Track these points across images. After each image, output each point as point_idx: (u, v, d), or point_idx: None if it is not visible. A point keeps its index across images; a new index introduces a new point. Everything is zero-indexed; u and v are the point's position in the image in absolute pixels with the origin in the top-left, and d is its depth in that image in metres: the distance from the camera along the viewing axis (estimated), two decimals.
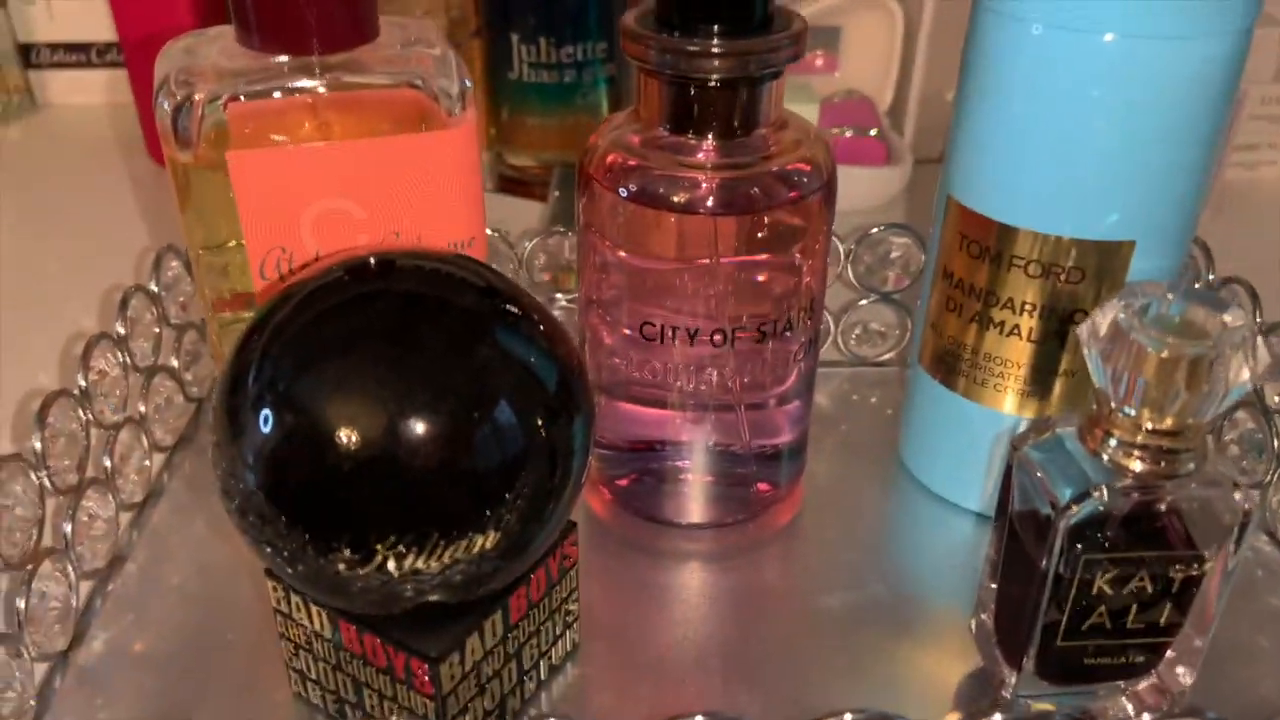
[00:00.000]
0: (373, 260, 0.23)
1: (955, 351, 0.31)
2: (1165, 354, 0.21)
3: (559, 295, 0.39)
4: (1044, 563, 0.23)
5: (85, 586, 0.29)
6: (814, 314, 0.30)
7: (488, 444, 0.21)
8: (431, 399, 0.21)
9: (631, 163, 0.28)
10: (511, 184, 0.55)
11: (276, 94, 0.26)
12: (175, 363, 0.35)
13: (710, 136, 0.27)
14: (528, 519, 0.22)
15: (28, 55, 0.63)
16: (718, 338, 0.28)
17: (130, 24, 0.54)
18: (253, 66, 0.26)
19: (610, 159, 0.29)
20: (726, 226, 0.28)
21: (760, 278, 0.29)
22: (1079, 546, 0.23)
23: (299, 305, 0.22)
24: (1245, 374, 0.21)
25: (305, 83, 0.26)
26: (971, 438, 0.32)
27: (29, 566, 0.26)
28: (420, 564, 0.21)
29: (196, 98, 0.25)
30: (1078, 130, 0.27)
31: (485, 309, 0.23)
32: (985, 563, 0.27)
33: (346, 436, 0.21)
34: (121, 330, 0.32)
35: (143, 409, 0.33)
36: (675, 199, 0.28)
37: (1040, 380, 0.30)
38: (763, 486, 0.32)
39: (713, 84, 0.26)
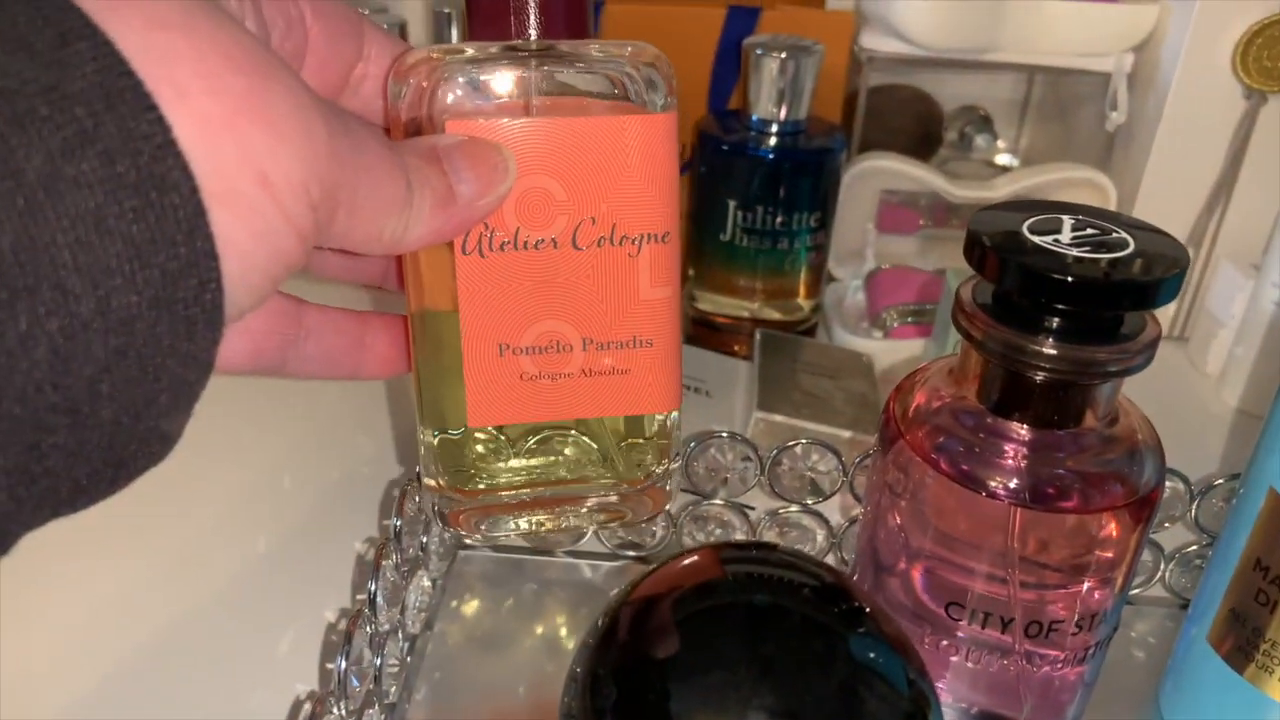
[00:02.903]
0: (717, 570, 0.23)
1: (1254, 640, 0.30)
2: None
3: (808, 501, 0.39)
4: None
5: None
6: (1121, 600, 0.29)
7: None
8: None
9: (943, 429, 0.28)
10: (696, 325, 0.55)
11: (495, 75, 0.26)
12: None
13: (1031, 425, 0.27)
14: None
15: None
16: (1032, 629, 0.27)
17: None
18: (474, 54, 0.26)
19: (920, 419, 0.28)
20: (1034, 516, 0.27)
21: (1072, 570, 0.28)
22: None
23: (656, 614, 0.22)
24: None
25: (521, 66, 0.26)
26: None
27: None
28: None
29: (424, 84, 0.25)
30: None
31: (834, 616, 0.23)
32: None
33: None
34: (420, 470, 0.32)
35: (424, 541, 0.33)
36: (987, 481, 0.27)
37: None
38: None
39: (1043, 379, 0.26)
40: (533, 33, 0.26)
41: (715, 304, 0.54)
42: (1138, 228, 0.26)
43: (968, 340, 0.27)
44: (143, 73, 0.16)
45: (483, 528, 0.30)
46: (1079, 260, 0.25)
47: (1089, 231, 0.26)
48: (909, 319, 0.53)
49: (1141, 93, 0.54)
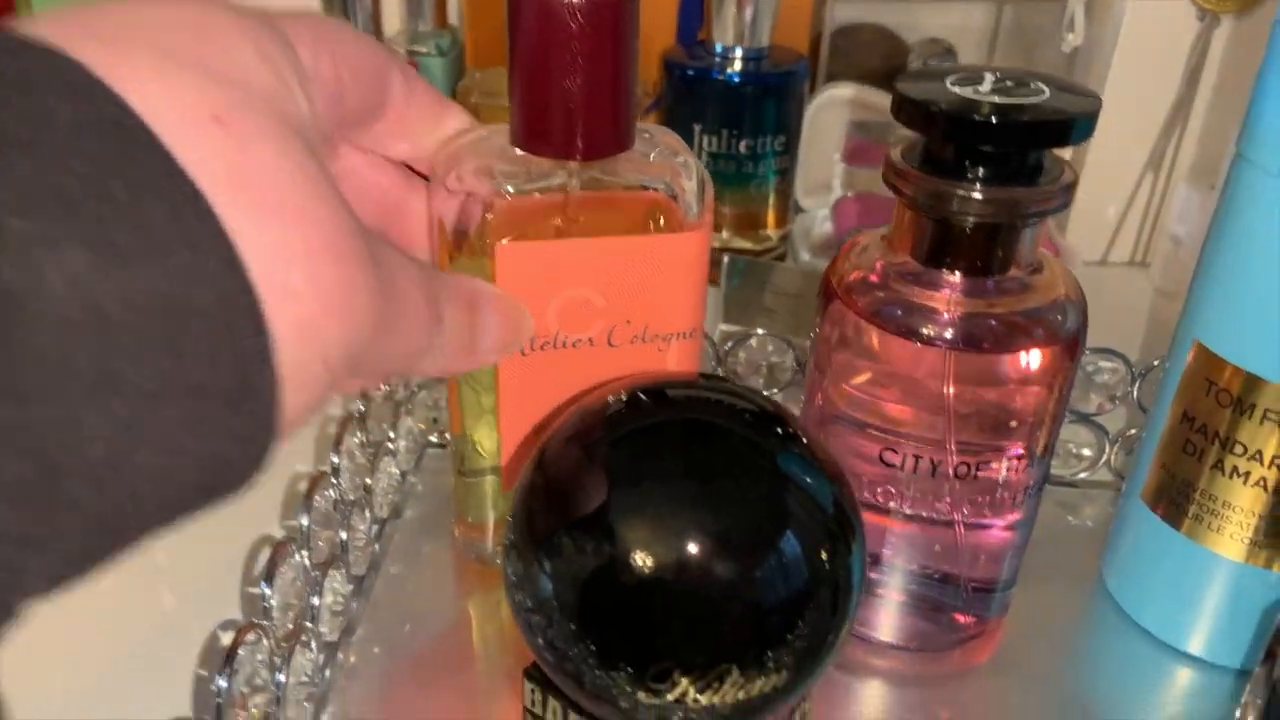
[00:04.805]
0: (643, 392, 0.24)
1: (1186, 493, 0.31)
2: None
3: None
4: None
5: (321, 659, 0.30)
6: (1049, 450, 0.30)
7: (779, 578, 0.22)
8: (735, 531, 0.22)
9: (877, 285, 0.29)
10: None
11: (537, 194, 0.28)
12: (392, 435, 0.36)
13: (961, 273, 0.28)
14: (810, 657, 0.23)
15: None
16: (961, 467, 0.29)
17: None
18: (522, 169, 0.27)
19: (855, 279, 0.29)
20: (968, 361, 0.28)
21: (1001, 413, 0.29)
22: None
23: (592, 434, 0.23)
24: None
25: (566, 184, 0.27)
26: (1191, 578, 0.31)
27: (287, 644, 0.27)
28: (705, 699, 0.22)
29: (475, 195, 0.27)
30: None
31: (762, 436, 0.24)
32: None
33: (648, 563, 0.21)
34: (361, 408, 0.33)
35: (368, 482, 0.34)
36: (920, 329, 0.28)
37: (1276, 532, 0.29)
38: (970, 618, 0.32)
39: (972, 225, 0.27)
40: (579, 154, 0.27)
41: None
42: (1055, 83, 0.27)
43: (898, 195, 0.28)
44: (257, 272, 0.15)
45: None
46: (996, 104, 0.26)
47: (1008, 84, 0.27)
48: None
49: (1099, 18, 0.55)
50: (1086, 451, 0.39)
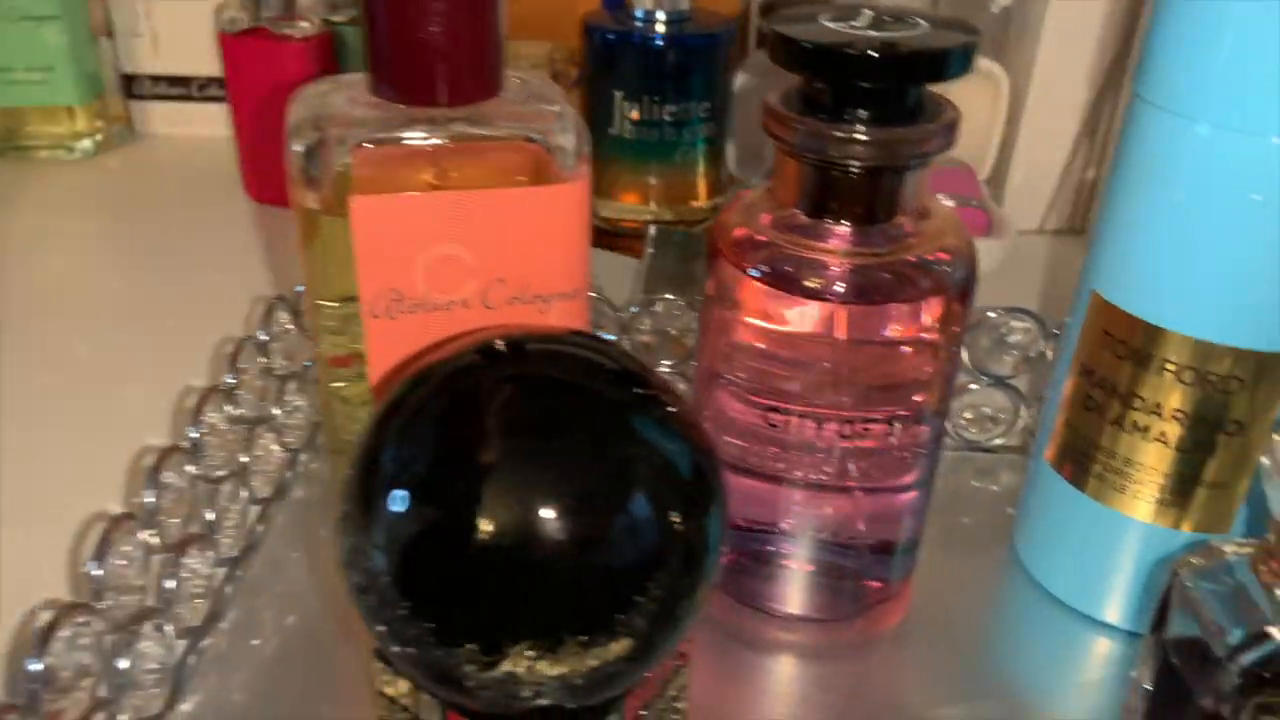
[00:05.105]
0: (501, 343, 0.23)
1: (1089, 451, 0.29)
2: None
3: (664, 363, 0.39)
4: (1207, 701, 0.21)
5: (180, 645, 0.29)
6: (943, 405, 0.29)
7: (625, 542, 0.21)
8: (568, 492, 0.20)
9: (762, 240, 0.27)
10: (603, 235, 0.54)
11: (401, 142, 0.26)
12: (278, 413, 0.35)
13: (847, 222, 0.26)
14: (661, 622, 0.21)
15: (130, 86, 0.65)
16: (846, 428, 0.27)
17: (239, 63, 0.55)
18: (381, 115, 0.26)
19: (740, 234, 0.28)
20: (857, 315, 0.27)
21: (891, 369, 0.28)
22: (1250, 687, 0.21)
23: (434, 388, 0.22)
24: None
25: (429, 134, 0.26)
26: (1099, 542, 0.30)
27: (132, 627, 0.25)
28: (546, 668, 0.20)
29: (327, 141, 0.25)
30: (1238, 235, 0.25)
31: (618, 394, 0.22)
32: (1132, 693, 0.25)
33: (482, 528, 0.20)
34: (231, 381, 0.32)
35: (244, 460, 0.32)
36: (806, 283, 0.27)
37: (1181, 490, 0.28)
38: (873, 583, 0.31)
39: (855, 171, 0.26)
40: (443, 99, 0.26)
41: (617, 210, 0.54)
42: (934, 20, 0.26)
43: (778, 142, 0.27)
44: None
45: None
46: (870, 39, 0.24)
47: (885, 19, 0.26)
48: None
49: None
50: (1002, 416, 0.38)
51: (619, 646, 0.21)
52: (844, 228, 0.27)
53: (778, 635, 0.31)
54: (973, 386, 0.37)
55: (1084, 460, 0.30)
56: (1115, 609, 0.31)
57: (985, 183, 0.55)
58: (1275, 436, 0.21)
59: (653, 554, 0.21)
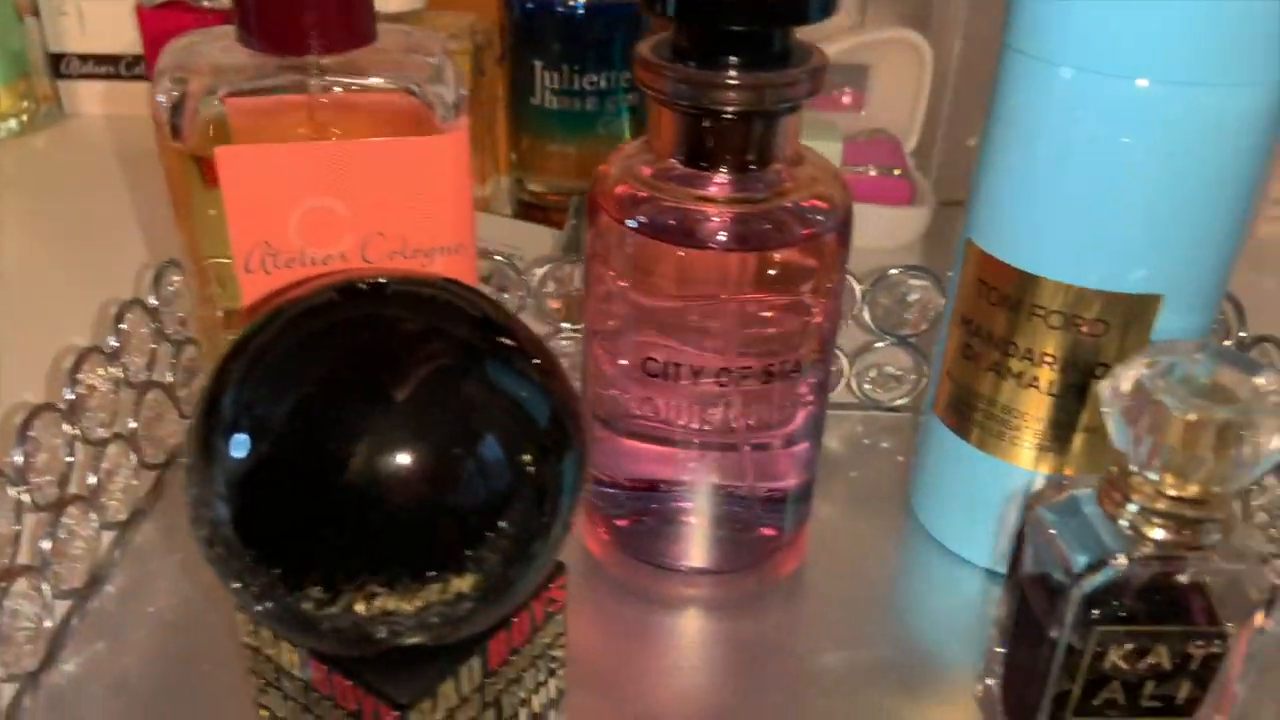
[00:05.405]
0: (363, 283, 0.22)
1: (970, 401, 0.30)
2: (1191, 417, 0.19)
3: (566, 325, 0.39)
4: (1055, 632, 0.22)
5: (62, 606, 0.28)
6: (824, 355, 0.29)
7: (468, 481, 0.20)
8: (409, 432, 0.20)
9: (641, 194, 0.27)
10: (531, 210, 0.54)
11: (273, 93, 0.26)
12: (170, 378, 0.34)
13: (723, 170, 0.27)
14: (510, 561, 0.21)
15: (58, 65, 0.64)
16: (723, 377, 0.27)
17: (157, 38, 0.54)
18: (251, 64, 0.26)
19: (619, 189, 0.28)
20: (736, 262, 0.27)
21: (769, 316, 0.28)
22: (1094, 615, 0.21)
23: (282, 328, 0.22)
24: (1277, 442, 0.19)
25: (298, 83, 0.26)
26: (984, 491, 0.30)
27: (2, 584, 0.25)
28: (392, 605, 0.20)
29: (191, 91, 0.25)
30: (1106, 178, 0.26)
31: (475, 339, 0.22)
32: (994, 626, 0.25)
33: (319, 468, 0.20)
34: (114, 344, 0.31)
35: (132, 425, 0.32)
36: (685, 233, 0.27)
37: (1058, 435, 0.28)
38: (767, 531, 0.31)
39: (727, 116, 0.26)
40: (314, 48, 0.25)
41: (544, 183, 0.54)
42: None
43: (651, 91, 0.27)
44: None
45: None
46: None
47: None
48: None
49: None
50: (907, 375, 0.38)
51: (464, 582, 0.21)
52: (722, 175, 0.27)
53: (678, 590, 0.31)
54: (878, 345, 0.38)
55: (967, 410, 0.30)
56: (996, 556, 0.31)
57: (911, 154, 0.55)
58: (1113, 366, 0.22)
59: (502, 493, 0.21)
